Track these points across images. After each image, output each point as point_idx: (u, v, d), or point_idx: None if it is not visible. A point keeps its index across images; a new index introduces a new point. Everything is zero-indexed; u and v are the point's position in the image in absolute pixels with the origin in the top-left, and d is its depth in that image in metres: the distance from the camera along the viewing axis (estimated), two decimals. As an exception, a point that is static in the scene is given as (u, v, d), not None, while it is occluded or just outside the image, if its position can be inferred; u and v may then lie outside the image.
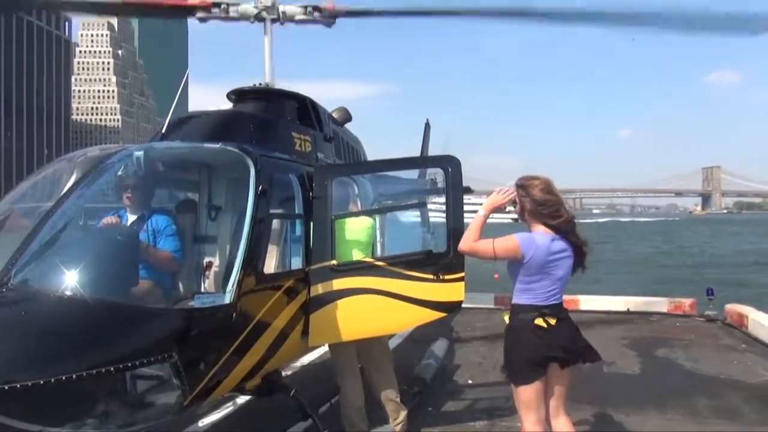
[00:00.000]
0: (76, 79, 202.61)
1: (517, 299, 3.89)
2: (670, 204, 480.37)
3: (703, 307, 11.11)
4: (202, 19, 6.19)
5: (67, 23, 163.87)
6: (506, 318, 4.00)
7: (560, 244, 3.83)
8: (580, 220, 4.17)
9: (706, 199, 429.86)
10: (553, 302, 3.84)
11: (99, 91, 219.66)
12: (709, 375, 7.33)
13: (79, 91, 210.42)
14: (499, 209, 3.95)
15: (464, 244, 3.88)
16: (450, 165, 4.91)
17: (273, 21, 6.13)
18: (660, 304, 11.58)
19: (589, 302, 11.67)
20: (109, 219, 4.11)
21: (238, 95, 5.94)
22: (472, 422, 5.70)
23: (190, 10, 6.17)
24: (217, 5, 6.06)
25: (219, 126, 4.95)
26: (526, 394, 3.80)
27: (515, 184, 3.99)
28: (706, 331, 9.93)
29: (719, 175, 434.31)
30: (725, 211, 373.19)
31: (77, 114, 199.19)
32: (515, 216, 4.10)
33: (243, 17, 6.15)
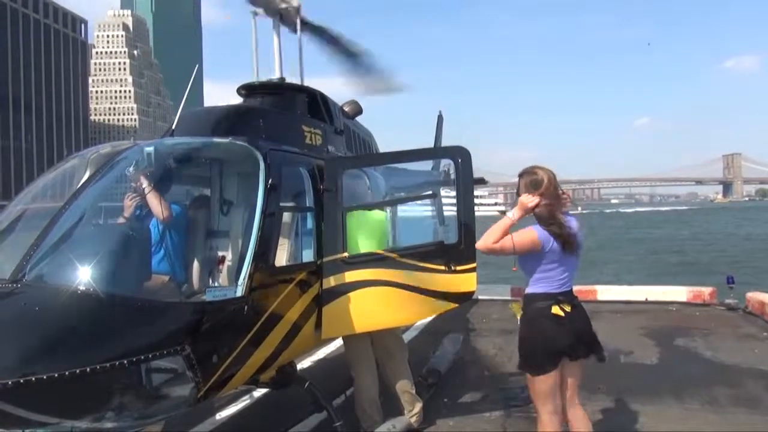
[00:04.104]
0: (93, 80, 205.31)
1: (531, 289, 3.87)
2: (690, 192, 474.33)
3: (723, 295, 10.96)
4: None
5: (83, 25, 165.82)
6: (515, 310, 3.98)
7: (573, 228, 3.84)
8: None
9: (727, 186, 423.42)
10: (566, 289, 3.82)
11: (116, 91, 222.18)
12: (729, 364, 7.21)
13: (96, 91, 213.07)
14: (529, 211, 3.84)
15: (483, 244, 3.75)
16: (460, 156, 4.87)
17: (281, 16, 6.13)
18: (679, 293, 11.41)
19: (606, 292, 11.59)
20: (128, 201, 4.15)
21: (248, 90, 5.95)
22: (488, 413, 5.68)
23: None
24: None
25: (229, 120, 4.97)
26: (543, 384, 3.77)
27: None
28: (727, 319, 9.77)
29: (740, 162, 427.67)
30: (747, 198, 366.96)
31: (95, 114, 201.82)
32: (502, 208, 4.07)
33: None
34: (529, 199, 3.79)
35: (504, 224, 3.75)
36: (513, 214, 3.79)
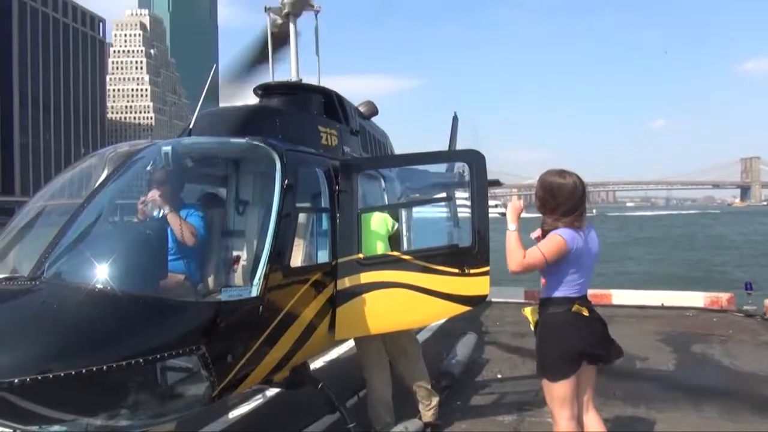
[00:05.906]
0: (110, 79, 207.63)
1: (548, 293, 3.81)
2: (707, 196, 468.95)
3: (741, 301, 10.79)
4: None
5: (101, 24, 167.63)
6: (528, 315, 3.94)
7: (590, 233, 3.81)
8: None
9: (745, 191, 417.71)
10: (583, 294, 3.78)
11: (132, 89, 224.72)
12: (747, 371, 7.11)
13: (113, 90, 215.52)
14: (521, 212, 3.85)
15: (515, 265, 3.71)
16: (474, 160, 4.85)
17: (296, 15, 6.15)
18: (696, 298, 11.26)
19: (622, 297, 11.44)
20: (141, 206, 4.16)
21: (264, 90, 5.97)
22: (501, 417, 5.64)
23: None
24: None
25: (245, 120, 4.98)
26: (562, 390, 3.69)
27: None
28: (745, 326, 9.62)
29: (758, 165, 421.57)
30: (765, 203, 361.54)
31: (112, 113, 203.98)
32: (503, 210, 4.06)
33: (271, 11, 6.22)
34: (513, 207, 3.81)
35: (514, 239, 3.72)
36: (511, 226, 3.75)
